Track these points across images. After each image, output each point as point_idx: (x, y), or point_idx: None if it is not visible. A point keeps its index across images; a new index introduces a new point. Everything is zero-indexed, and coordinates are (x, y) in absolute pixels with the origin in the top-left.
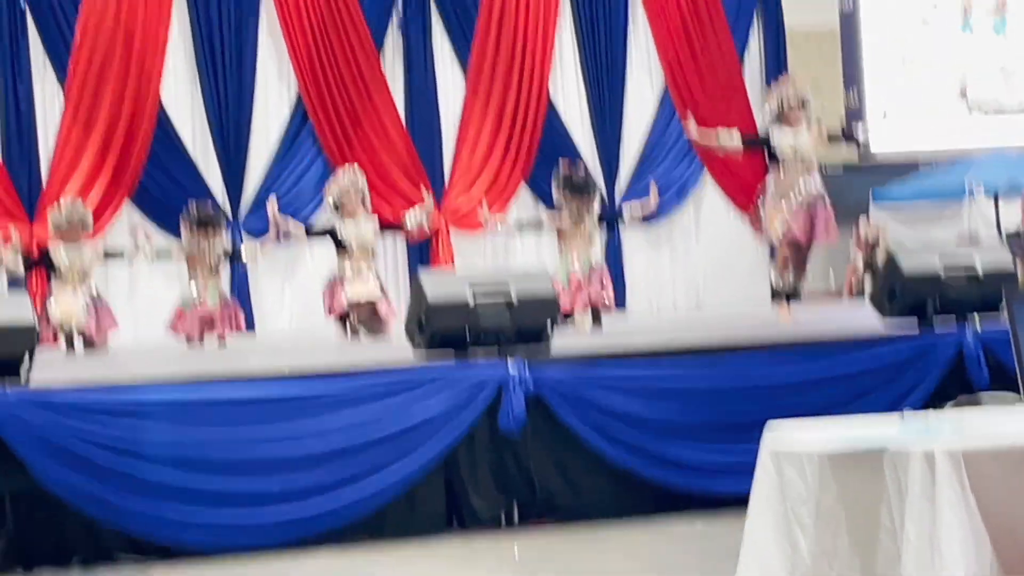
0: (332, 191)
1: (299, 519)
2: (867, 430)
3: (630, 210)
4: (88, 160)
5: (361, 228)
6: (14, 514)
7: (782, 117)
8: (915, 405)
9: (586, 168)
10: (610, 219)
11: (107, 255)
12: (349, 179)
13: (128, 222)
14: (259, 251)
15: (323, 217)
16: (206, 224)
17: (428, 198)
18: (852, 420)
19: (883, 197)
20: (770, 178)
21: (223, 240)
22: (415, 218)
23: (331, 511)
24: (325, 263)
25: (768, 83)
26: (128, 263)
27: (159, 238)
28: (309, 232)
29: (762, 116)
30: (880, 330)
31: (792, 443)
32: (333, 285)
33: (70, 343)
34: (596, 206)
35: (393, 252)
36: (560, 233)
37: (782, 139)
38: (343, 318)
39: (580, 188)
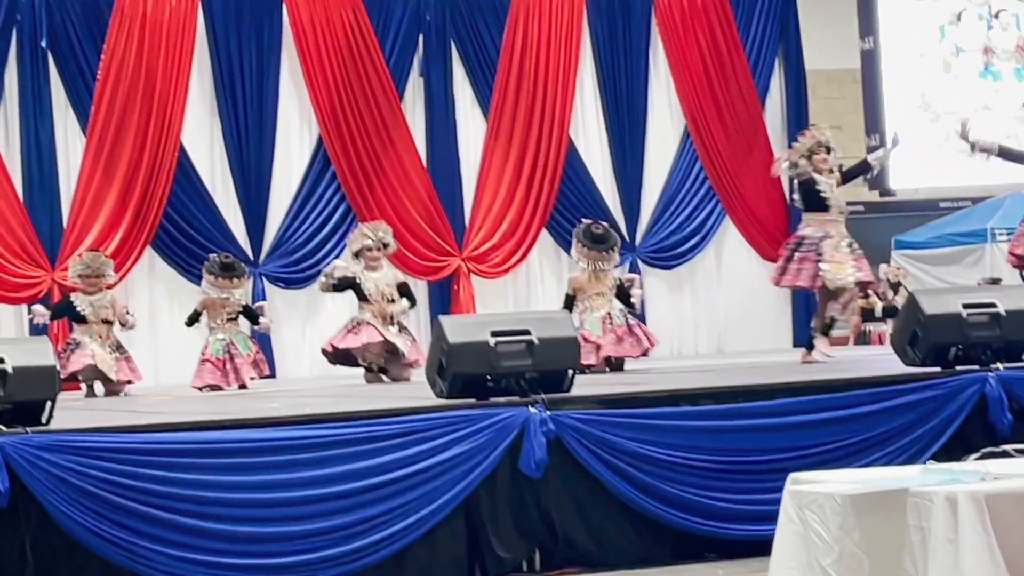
0: (355, 244)
1: (319, 561)
2: (889, 475)
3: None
4: (109, 205)
5: (382, 278)
6: (35, 558)
7: (812, 164)
8: (938, 449)
9: (607, 224)
10: (632, 263)
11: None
12: (373, 234)
13: (149, 268)
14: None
15: (342, 265)
16: (229, 272)
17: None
18: (875, 470)
19: (905, 242)
20: (809, 226)
21: (245, 289)
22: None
23: (351, 554)
24: (346, 309)
25: (790, 125)
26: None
27: (181, 284)
28: (337, 288)
29: (785, 166)
30: (902, 373)
31: (815, 488)
32: (351, 328)
33: (91, 390)
34: (616, 259)
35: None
36: (579, 289)
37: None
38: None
39: (600, 239)
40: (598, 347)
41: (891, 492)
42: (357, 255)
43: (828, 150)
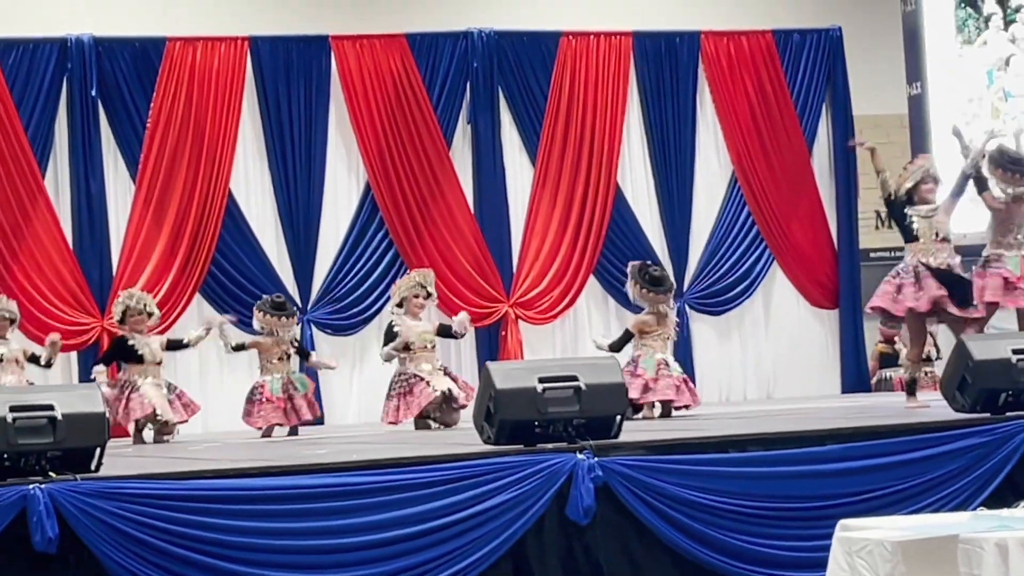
0: (399, 291)
1: None
2: (940, 521)
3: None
4: (158, 253)
5: (423, 326)
6: None
7: (918, 193)
8: (988, 495)
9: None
10: (679, 309)
11: (171, 345)
12: (415, 281)
13: (198, 314)
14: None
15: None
16: (281, 311)
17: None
18: (925, 516)
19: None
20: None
21: (296, 330)
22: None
23: None
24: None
25: (837, 170)
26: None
27: (229, 330)
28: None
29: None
30: (951, 419)
31: (864, 534)
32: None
33: (140, 435)
34: (672, 302)
35: (463, 344)
36: (643, 331)
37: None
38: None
39: (659, 281)
40: (647, 385)
41: (941, 539)
42: (401, 304)
43: (936, 181)
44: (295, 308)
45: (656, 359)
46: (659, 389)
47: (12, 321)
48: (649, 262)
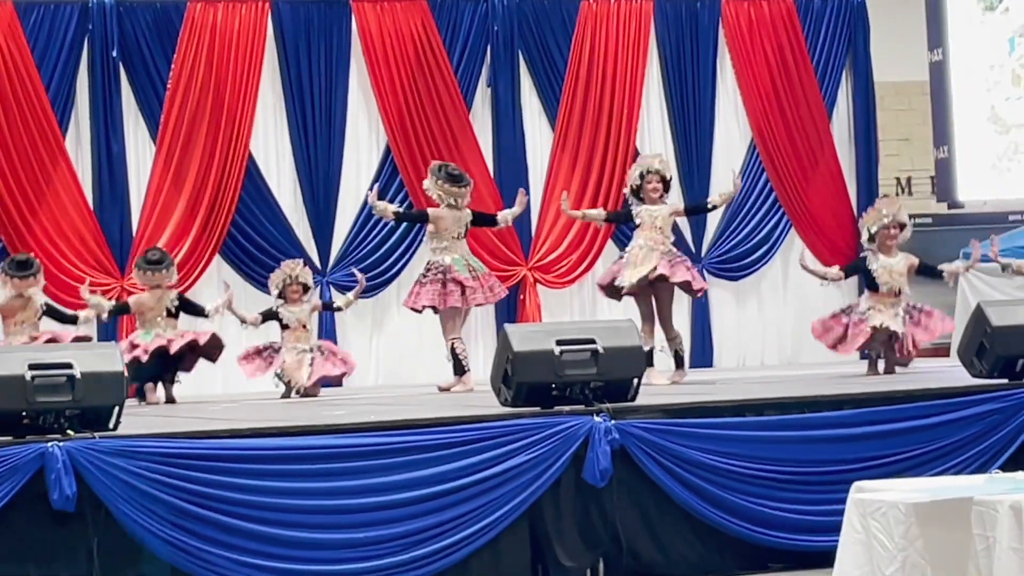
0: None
1: (383, 568)
2: (954, 484)
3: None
4: (178, 214)
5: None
6: (101, 562)
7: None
8: (1005, 460)
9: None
10: (699, 272)
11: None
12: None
13: (217, 276)
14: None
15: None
16: (301, 286)
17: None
18: (939, 479)
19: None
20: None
21: (311, 299)
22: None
23: (415, 561)
24: (412, 318)
25: (857, 137)
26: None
27: (248, 292)
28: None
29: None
30: (969, 385)
31: (878, 496)
32: None
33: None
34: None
35: (481, 308)
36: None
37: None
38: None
39: (457, 178)
40: None
41: (956, 501)
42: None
43: (901, 226)
44: (310, 277)
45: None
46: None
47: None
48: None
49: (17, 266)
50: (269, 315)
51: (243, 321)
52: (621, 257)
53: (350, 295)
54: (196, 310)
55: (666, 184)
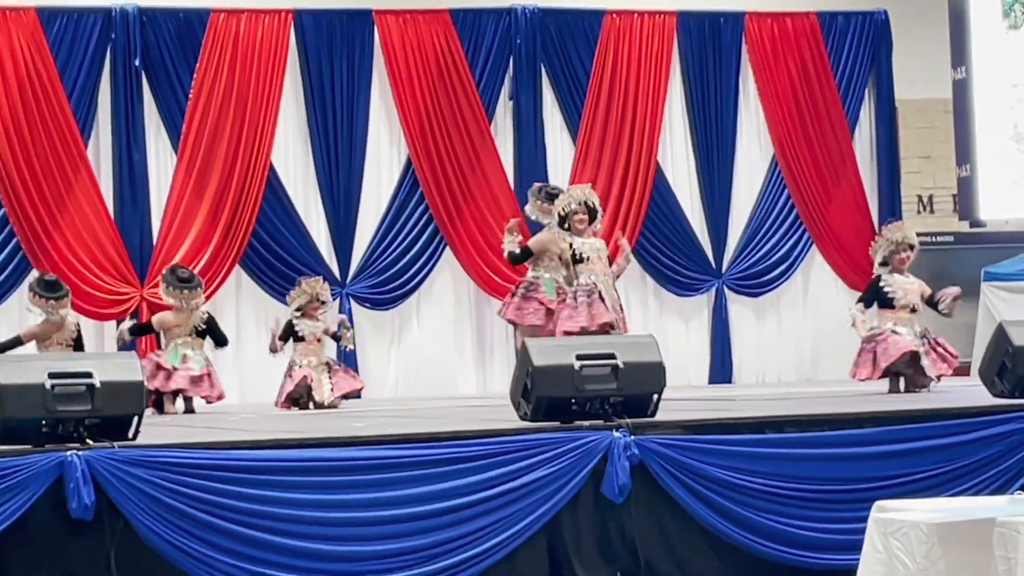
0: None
1: None
2: (976, 504)
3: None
4: (199, 223)
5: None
6: (119, 572)
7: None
8: None
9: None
10: (718, 289)
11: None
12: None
13: (236, 286)
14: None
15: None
16: (320, 303)
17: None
18: (961, 499)
19: (994, 273)
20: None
21: (326, 318)
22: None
23: (434, 574)
24: (431, 330)
25: (879, 154)
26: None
27: (268, 302)
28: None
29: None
30: (990, 404)
31: (900, 516)
32: None
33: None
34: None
35: (501, 320)
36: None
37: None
38: None
39: (557, 196)
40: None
41: (977, 521)
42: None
43: (911, 248)
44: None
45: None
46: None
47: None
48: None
49: (47, 287)
50: (287, 334)
51: (273, 351)
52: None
53: (348, 340)
54: (219, 339)
55: (591, 215)
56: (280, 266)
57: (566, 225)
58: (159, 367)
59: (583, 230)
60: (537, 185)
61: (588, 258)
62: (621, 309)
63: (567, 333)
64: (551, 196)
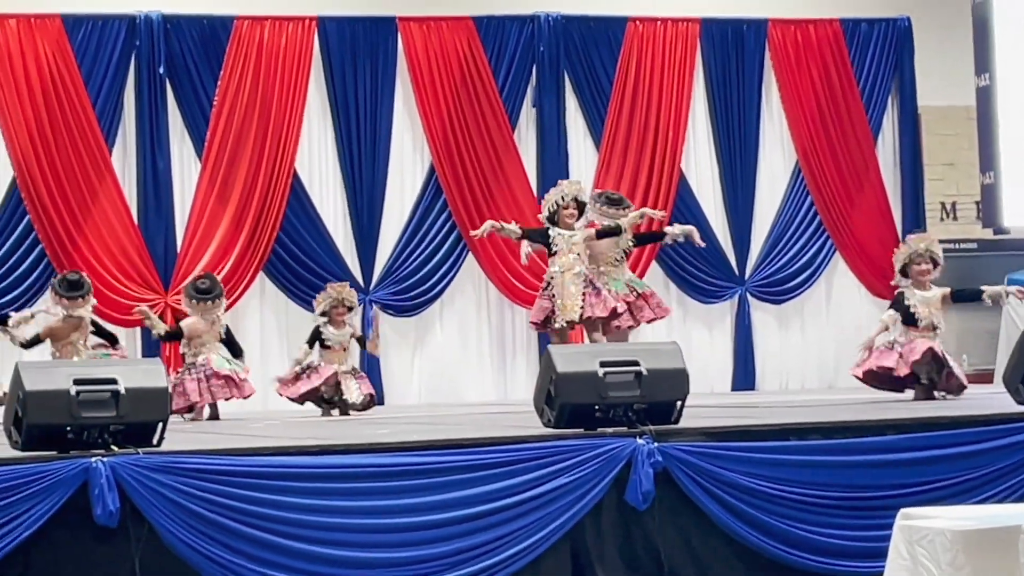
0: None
1: None
2: (1001, 512)
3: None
4: (223, 230)
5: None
6: None
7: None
8: None
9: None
10: (741, 296)
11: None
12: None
13: (260, 293)
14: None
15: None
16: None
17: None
18: (987, 507)
19: (1019, 280)
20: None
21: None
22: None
23: None
24: (454, 336)
25: (903, 162)
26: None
27: (291, 309)
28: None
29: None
30: (1014, 412)
31: (925, 523)
32: None
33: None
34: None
35: (523, 327)
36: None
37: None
38: None
39: (617, 201)
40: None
41: (1003, 529)
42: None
43: (933, 260)
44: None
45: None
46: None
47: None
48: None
49: (68, 286)
50: (313, 339)
51: (299, 362)
52: (545, 290)
53: (373, 339)
54: (235, 350)
55: (580, 209)
56: (304, 273)
57: (555, 219)
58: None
59: (572, 224)
60: (597, 191)
61: (557, 251)
62: (634, 295)
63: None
64: (611, 201)
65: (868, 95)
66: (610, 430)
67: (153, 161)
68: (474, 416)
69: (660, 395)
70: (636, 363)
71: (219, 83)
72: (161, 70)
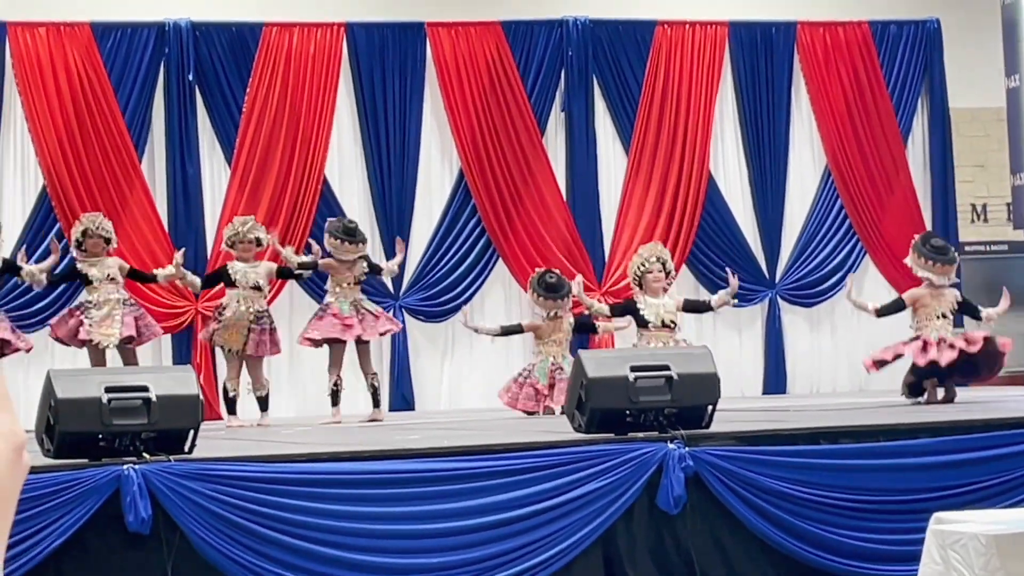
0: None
1: None
2: None
3: (718, 301)
4: None
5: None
6: None
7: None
8: None
9: (559, 273)
10: (772, 299)
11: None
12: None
13: (289, 298)
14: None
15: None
16: (351, 236)
17: None
18: (1020, 511)
19: None
20: None
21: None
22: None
23: None
24: (484, 342)
25: (933, 164)
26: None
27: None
28: None
29: None
30: None
31: (959, 528)
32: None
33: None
34: (570, 305)
35: None
36: (537, 332)
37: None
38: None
39: (555, 288)
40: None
41: None
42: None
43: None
44: (364, 234)
45: (547, 368)
46: (554, 396)
47: (107, 240)
48: (550, 270)
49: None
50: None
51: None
52: None
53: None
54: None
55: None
56: None
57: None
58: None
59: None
60: (537, 275)
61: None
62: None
63: None
64: (549, 288)
65: (898, 97)
66: (641, 435)
67: (183, 168)
68: (504, 421)
69: (691, 399)
70: (667, 367)
71: (248, 90)
72: (190, 77)
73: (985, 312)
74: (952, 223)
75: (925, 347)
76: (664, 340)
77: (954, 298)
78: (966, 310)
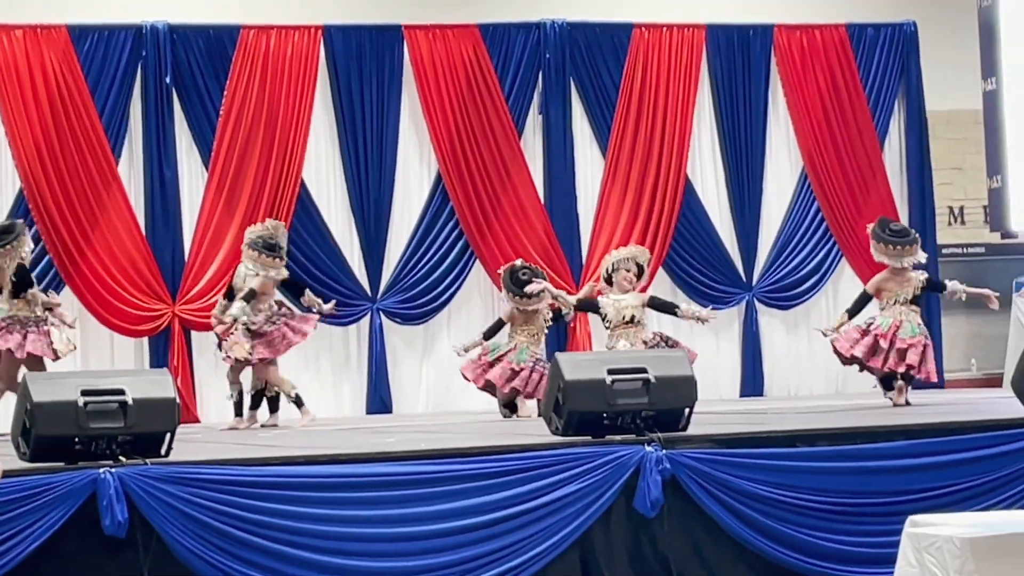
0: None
1: None
2: (1010, 519)
3: (686, 314)
4: (230, 240)
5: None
6: None
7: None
8: None
9: (532, 266)
10: (749, 302)
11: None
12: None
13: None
14: None
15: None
16: (272, 251)
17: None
18: (995, 514)
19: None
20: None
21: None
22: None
23: None
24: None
25: (909, 167)
26: None
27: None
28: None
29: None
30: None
31: (934, 531)
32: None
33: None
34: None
35: None
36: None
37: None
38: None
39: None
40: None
41: (1012, 536)
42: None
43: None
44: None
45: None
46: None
47: None
48: (519, 264)
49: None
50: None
51: None
52: None
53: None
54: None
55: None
56: (311, 282)
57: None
58: None
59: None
60: (508, 269)
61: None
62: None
63: None
64: (522, 286)
65: (875, 100)
66: (618, 437)
67: (160, 171)
68: (482, 424)
69: (668, 402)
70: (644, 370)
71: (225, 92)
72: (168, 80)
73: (951, 284)
74: (929, 226)
75: (865, 335)
76: (630, 337)
77: (918, 280)
78: (932, 287)
